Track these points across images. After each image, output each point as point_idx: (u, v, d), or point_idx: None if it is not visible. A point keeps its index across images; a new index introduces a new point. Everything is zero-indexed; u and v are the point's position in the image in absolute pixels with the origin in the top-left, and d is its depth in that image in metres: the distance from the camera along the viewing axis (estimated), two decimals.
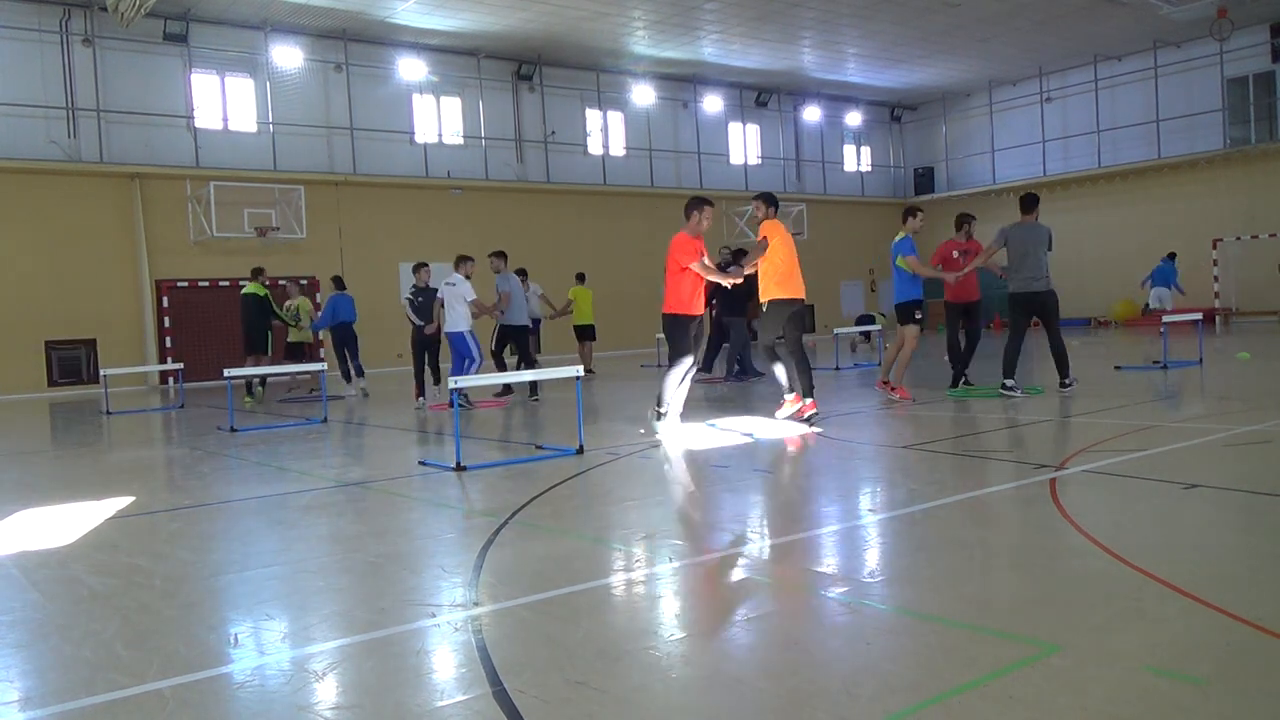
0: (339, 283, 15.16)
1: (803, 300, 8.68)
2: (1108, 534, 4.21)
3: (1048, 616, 3.20)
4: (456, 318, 11.76)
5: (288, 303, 15.64)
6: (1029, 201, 9.96)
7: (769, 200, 8.80)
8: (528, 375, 9.08)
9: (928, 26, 23.51)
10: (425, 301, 12.55)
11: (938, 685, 2.66)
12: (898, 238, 10.25)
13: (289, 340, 16.03)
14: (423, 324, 12.54)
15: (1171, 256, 22.36)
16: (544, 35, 22.78)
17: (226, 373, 11.03)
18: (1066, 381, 9.81)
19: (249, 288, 14.66)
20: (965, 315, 10.78)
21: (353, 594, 3.93)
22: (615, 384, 15.06)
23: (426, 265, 13.01)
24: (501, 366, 13.21)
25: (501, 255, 12.94)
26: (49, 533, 5.35)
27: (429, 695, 2.82)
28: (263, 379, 14.76)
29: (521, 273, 14.65)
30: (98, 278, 19.25)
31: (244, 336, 14.66)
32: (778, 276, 8.54)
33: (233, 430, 10.24)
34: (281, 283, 16.65)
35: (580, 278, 17.64)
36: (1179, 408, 8.81)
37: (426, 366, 12.73)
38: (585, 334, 17.11)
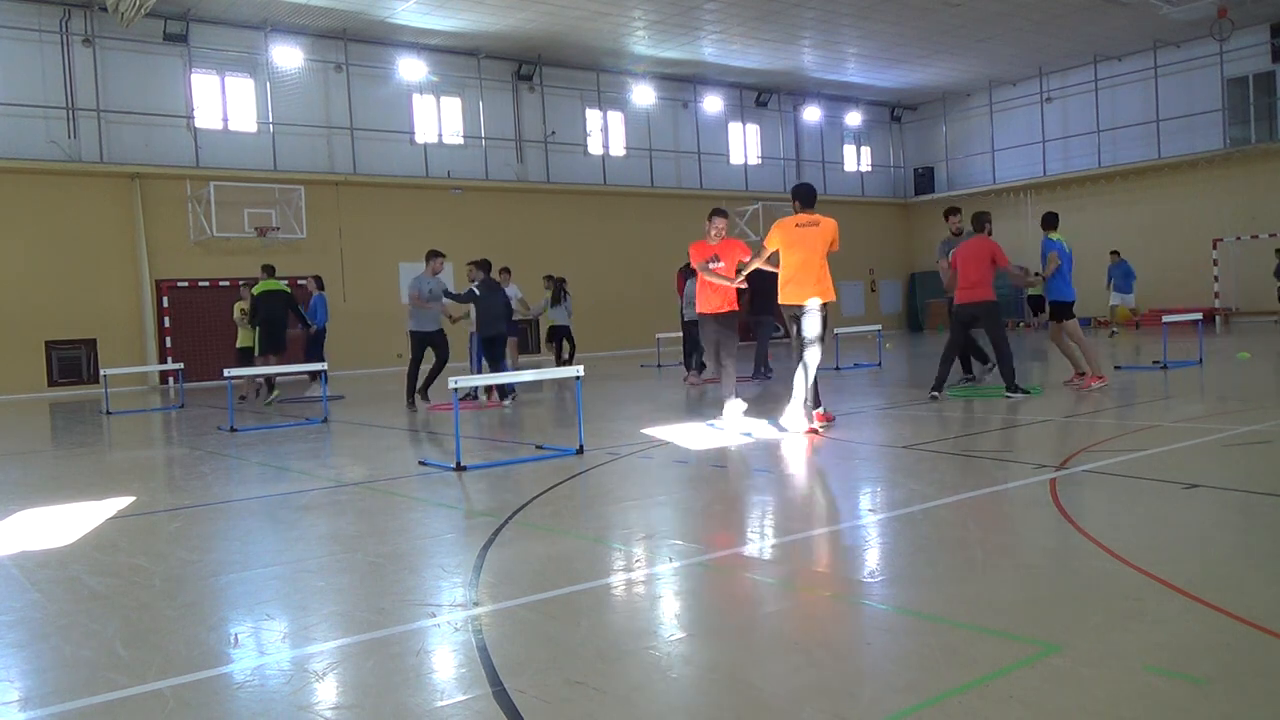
0: (319, 282, 15.31)
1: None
2: (1108, 534, 4.21)
3: (1047, 616, 3.20)
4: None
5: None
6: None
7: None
8: (528, 375, 9.08)
9: (928, 26, 23.51)
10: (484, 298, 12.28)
11: (938, 685, 2.66)
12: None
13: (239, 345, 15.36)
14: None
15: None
16: (544, 35, 22.78)
17: (227, 373, 11.04)
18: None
19: (269, 285, 14.02)
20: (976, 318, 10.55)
21: (353, 594, 3.93)
22: (615, 385, 15.05)
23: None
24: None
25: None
26: (49, 533, 5.35)
27: (429, 695, 2.82)
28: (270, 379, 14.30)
29: (506, 271, 14.45)
30: (98, 278, 19.26)
31: (267, 335, 14.02)
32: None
33: (233, 430, 10.24)
34: (300, 281, 16.64)
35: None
36: (1179, 408, 8.80)
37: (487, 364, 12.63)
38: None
